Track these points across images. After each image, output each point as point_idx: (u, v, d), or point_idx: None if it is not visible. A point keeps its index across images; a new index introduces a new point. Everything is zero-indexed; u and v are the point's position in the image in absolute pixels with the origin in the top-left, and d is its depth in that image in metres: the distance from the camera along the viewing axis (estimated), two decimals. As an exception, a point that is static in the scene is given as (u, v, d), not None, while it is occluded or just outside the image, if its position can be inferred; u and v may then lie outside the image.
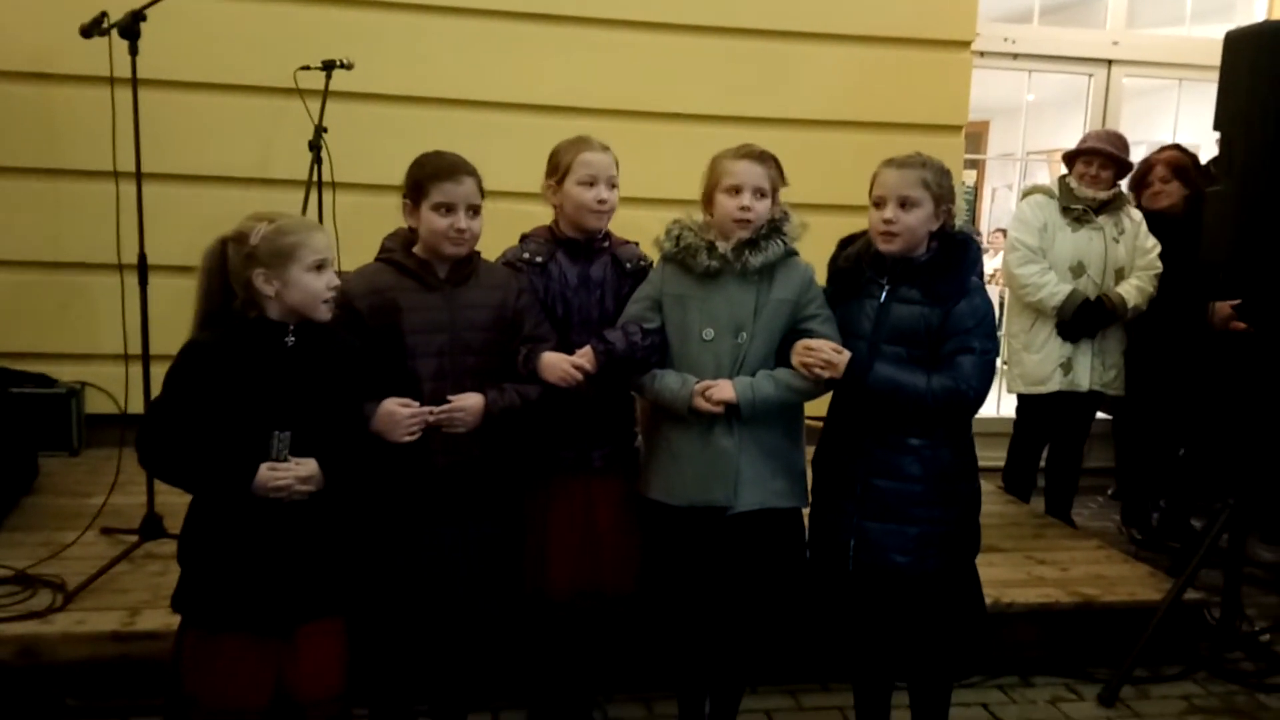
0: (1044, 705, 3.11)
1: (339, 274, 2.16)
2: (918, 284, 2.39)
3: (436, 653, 2.43)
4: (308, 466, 2.05)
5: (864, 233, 2.50)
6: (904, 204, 2.37)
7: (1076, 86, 5.83)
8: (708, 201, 2.46)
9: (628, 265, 2.59)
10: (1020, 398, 4.33)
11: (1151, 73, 5.74)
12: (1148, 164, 4.44)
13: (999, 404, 5.29)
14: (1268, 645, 3.46)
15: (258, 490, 2.00)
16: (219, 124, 4.48)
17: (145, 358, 3.37)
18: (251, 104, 4.45)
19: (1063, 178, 4.21)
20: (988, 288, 2.64)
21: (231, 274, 2.05)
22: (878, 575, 2.40)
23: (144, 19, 3.30)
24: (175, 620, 2.13)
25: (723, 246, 2.41)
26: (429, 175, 2.33)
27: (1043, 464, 4.48)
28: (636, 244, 2.65)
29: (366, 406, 2.22)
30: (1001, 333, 4.78)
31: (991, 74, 5.55)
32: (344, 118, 3.99)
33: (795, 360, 2.39)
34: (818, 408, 2.55)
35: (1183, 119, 5.73)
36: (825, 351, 2.36)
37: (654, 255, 2.56)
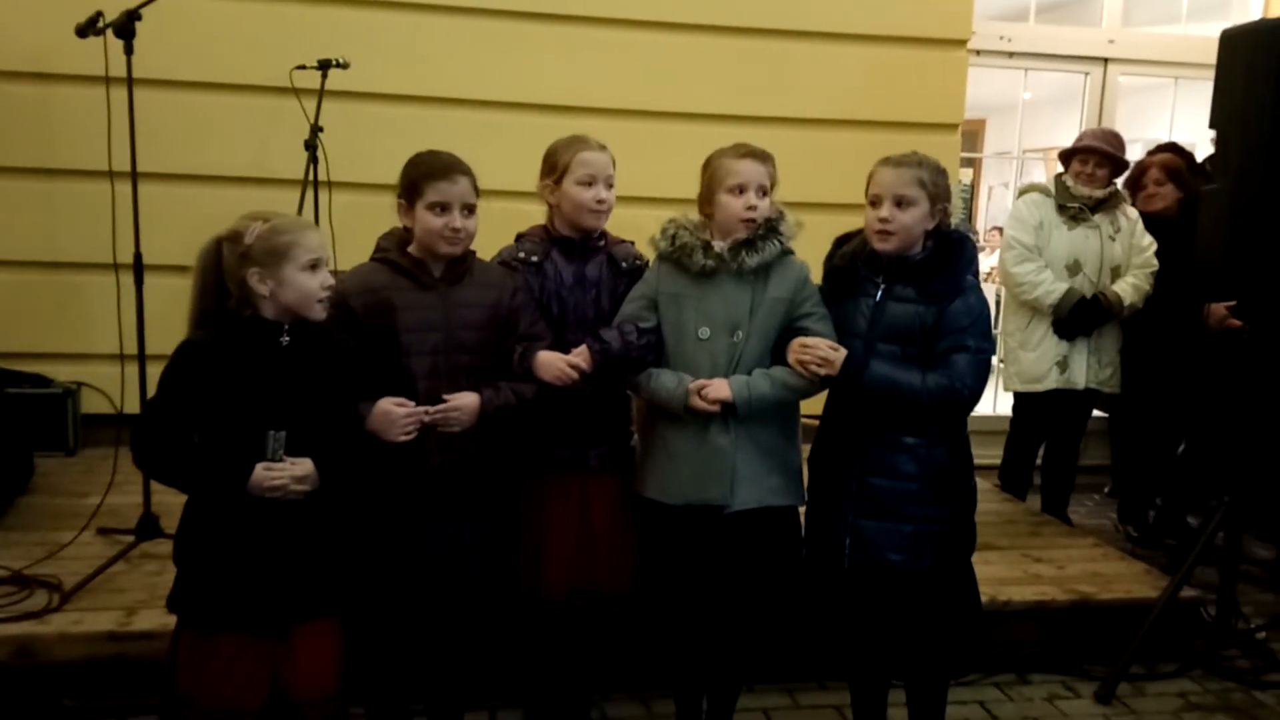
0: (1040, 703, 3.12)
1: (334, 273, 2.16)
2: (913, 283, 2.40)
3: (432, 652, 2.43)
4: (303, 466, 2.05)
5: (859, 231, 2.50)
6: (900, 203, 2.37)
7: (1072, 85, 5.83)
8: (707, 201, 2.46)
9: (623, 264, 2.59)
10: (1016, 396, 4.34)
11: (1147, 71, 5.75)
12: (1142, 167, 4.45)
13: (995, 402, 5.30)
14: (1264, 643, 3.46)
15: (253, 490, 2.00)
16: (215, 123, 4.48)
17: (141, 357, 3.37)
18: (247, 103, 4.44)
19: (1059, 176, 4.21)
20: (984, 286, 2.64)
21: (226, 273, 2.05)
22: (873, 573, 2.41)
23: (139, 18, 3.30)
24: (171, 620, 2.13)
25: (718, 246, 2.41)
26: (424, 174, 2.33)
27: (1039, 462, 4.49)
28: (632, 243, 2.65)
29: (361, 406, 2.22)
30: (998, 331, 4.77)
31: (987, 72, 5.55)
32: (340, 117, 3.99)
33: (791, 358, 2.39)
34: (813, 406, 2.55)
35: (1179, 117, 5.73)
36: (822, 349, 2.36)
37: (649, 254, 2.56)
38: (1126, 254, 4.15)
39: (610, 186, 2.53)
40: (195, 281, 2.08)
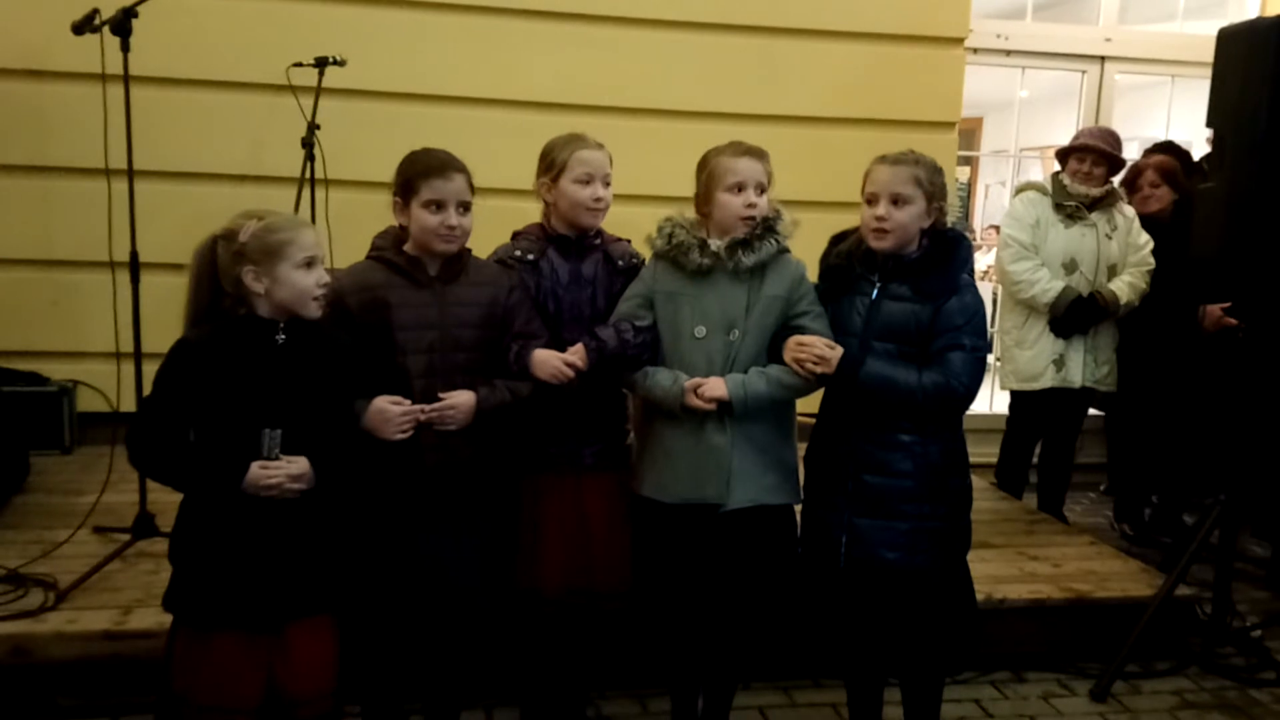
0: (1036, 701, 3.12)
1: (330, 271, 2.16)
2: (908, 281, 2.40)
3: (428, 650, 2.43)
4: (299, 464, 2.04)
5: (855, 230, 2.50)
6: (896, 201, 2.37)
7: (1069, 83, 5.83)
8: (704, 200, 2.46)
9: (619, 262, 2.59)
10: (1013, 394, 4.34)
11: (1144, 69, 5.75)
12: (1137, 169, 4.46)
13: (992, 400, 5.30)
14: (1259, 641, 3.47)
15: (249, 488, 2.00)
16: (211, 121, 4.48)
17: (137, 355, 3.36)
18: (244, 101, 4.44)
19: (1056, 174, 4.21)
20: (981, 284, 2.64)
21: (221, 271, 2.05)
22: (869, 571, 2.41)
23: (136, 15, 3.29)
24: (167, 619, 2.13)
25: (715, 244, 2.41)
26: (419, 172, 2.33)
27: (1035, 460, 4.49)
28: (628, 241, 2.65)
29: (357, 404, 2.21)
30: (994, 329, 4.78)
31: (984, 70, 5.55)
32: (337, 115, 3.98)
33: (788, 356, 2.39)
34: (809, 404, 2.55)
35: (1175, 115, 5.74)
36: (818, 347, 2.36)
37: (645, 252, 2.56)
38: (1123, 252, 4.15)
39: (607, 185, 2.53)
40: (191, 279, 2.08)
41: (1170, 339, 4.17)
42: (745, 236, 2.40)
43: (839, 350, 2.37)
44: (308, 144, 3.78)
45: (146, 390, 2.09)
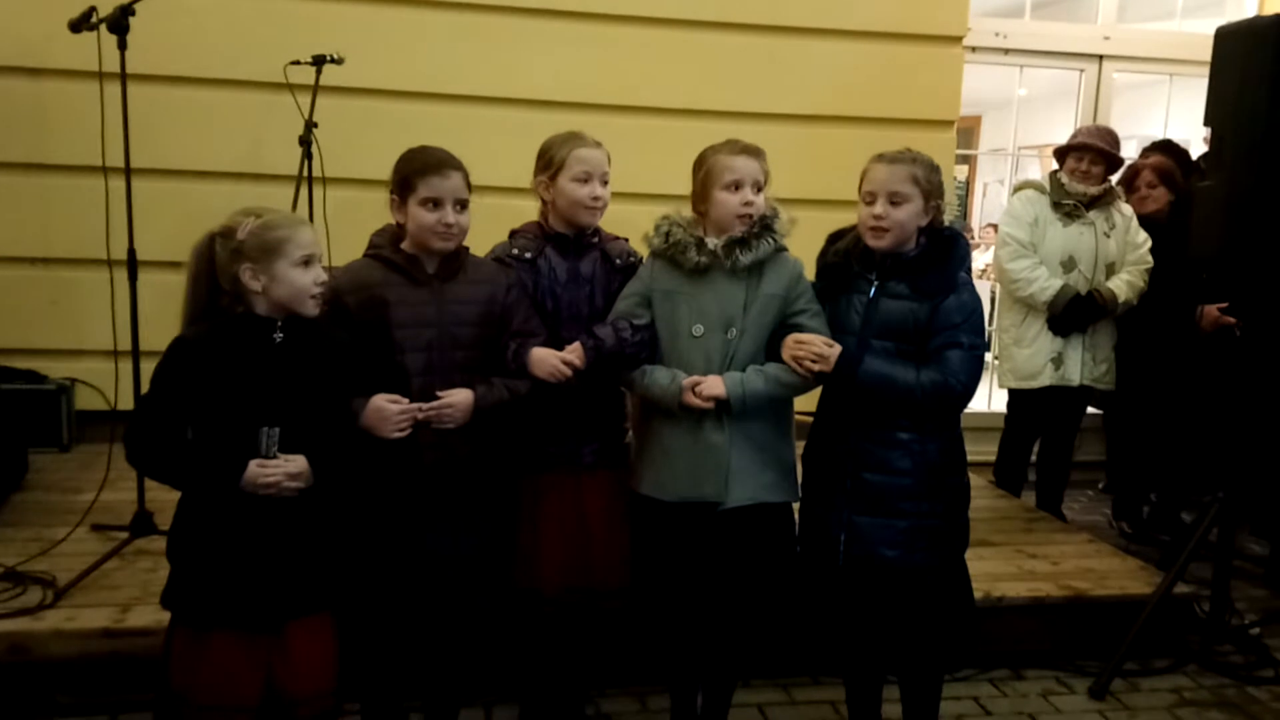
0: (1035, 698, 3.12)
1: (328, 269, 2.15)
2: (906, 279, 2.40)
3: (428, 649, 2.43)
4: (297, 463, 2.04)
5: (853, 228, 2.50)
6: (894, 199, 2.37)
7: (1068, 82, 5.84)
8: (701, 198, 2.46)
9: (617, 261, 2.59)
10: (1011, 393, 4.34)
11: (1142, 68, 5.75)
12: (1134, 169, 4.46)
13: (990, 399, 5.30)
14: (1257, 638, 3.47)
15: (246, 487, 2.00)
16: (209, 119, 4.47)
17: (135, 354, 3.36)
18: (241, 99, 4.43)
19: (1054, 173, 4.21)
20: (979, 283, 2.64)
21: (219, 269, 2.05)
22: (868, 569, 2.41)
23: (133, 13, 3.29)
24: (166, 616, 2.13)
25: (712, 243, 2.41)
26: (416, 170, 2.33)
27: (1034, 458, 4.49)
28: (626, 240, 2.65)
29: (355, 402, 2.21)
30: (992, 328, 4.78)
31: (983, 69, 5.55)
32: (334, 112, 3.97)
33: (786, 354, 2.40)
34: (807, 402, 2.55)
35: (1174, 114, 5.74)
36: (816, 345, 2.37)
37: (643, 251, 2.56)
38: (1121, 250, 4.15)
39: (605, 183, 2.53)
40: (189, 277, 2.08)
41: (1169, 338, 4.17)
42: (742, 235, 2.40)
43: (837, 348, 2.37)
44: (305, 142, 3.77)
45: (144, 388, 2.09)
